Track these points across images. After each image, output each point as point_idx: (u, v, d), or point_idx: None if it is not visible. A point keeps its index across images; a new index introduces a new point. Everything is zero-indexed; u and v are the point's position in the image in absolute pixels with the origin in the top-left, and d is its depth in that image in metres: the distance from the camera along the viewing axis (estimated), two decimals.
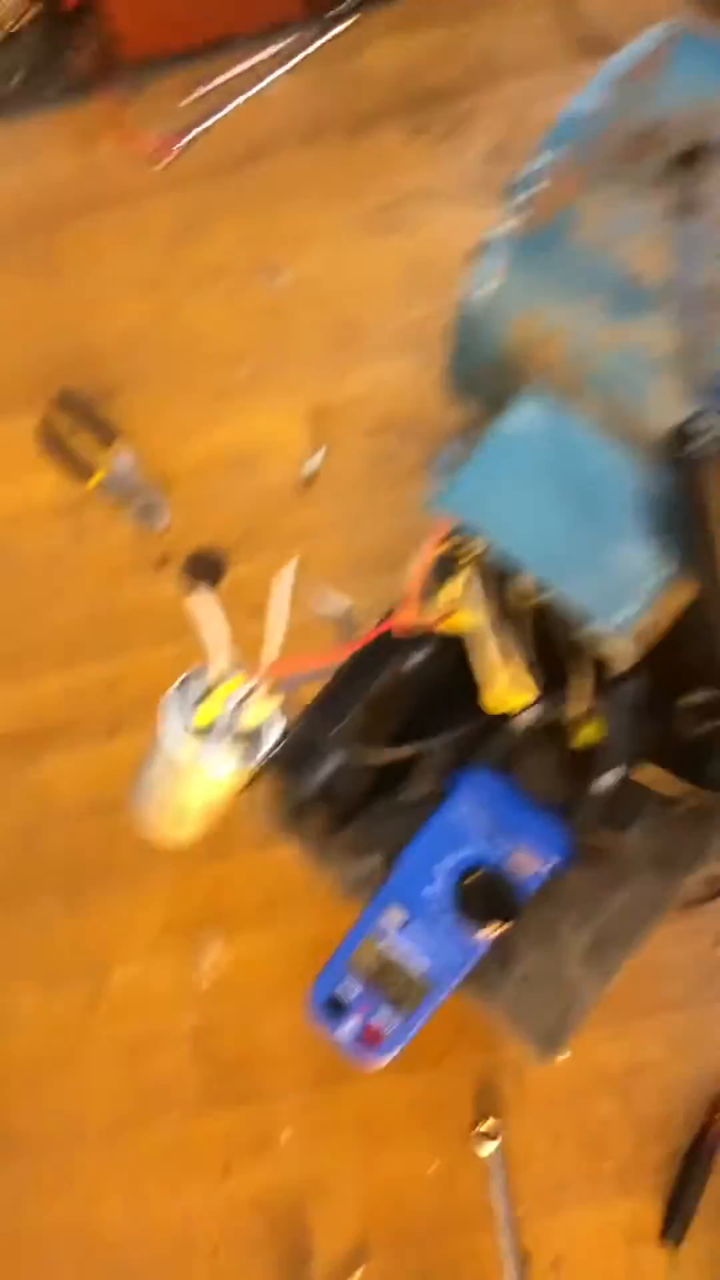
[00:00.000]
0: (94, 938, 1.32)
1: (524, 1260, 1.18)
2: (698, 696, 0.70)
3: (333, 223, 1.50)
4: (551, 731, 0.69)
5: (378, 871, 0.74)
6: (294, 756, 0.72)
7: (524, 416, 0.60)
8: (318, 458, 1.38)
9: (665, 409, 0.57)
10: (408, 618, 0.65)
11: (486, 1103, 1.21)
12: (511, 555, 0.60)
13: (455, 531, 0.62)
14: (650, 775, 0.69)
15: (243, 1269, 1.22)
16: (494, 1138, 1.19)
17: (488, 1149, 1.19)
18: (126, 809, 1.33)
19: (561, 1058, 1.20)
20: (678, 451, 0.53)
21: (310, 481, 1.38)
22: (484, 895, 0.67)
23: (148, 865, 1.33)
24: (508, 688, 0.64)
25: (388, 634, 0.71)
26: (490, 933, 0.66)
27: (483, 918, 0.67)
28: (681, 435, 0.53)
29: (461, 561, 0.63)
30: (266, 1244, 1.22)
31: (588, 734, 0.69)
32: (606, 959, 0.72)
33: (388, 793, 0.74)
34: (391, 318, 1.45)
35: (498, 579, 0.63)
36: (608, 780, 0.67)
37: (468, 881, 0.67)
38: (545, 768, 0.73)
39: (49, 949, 1.32)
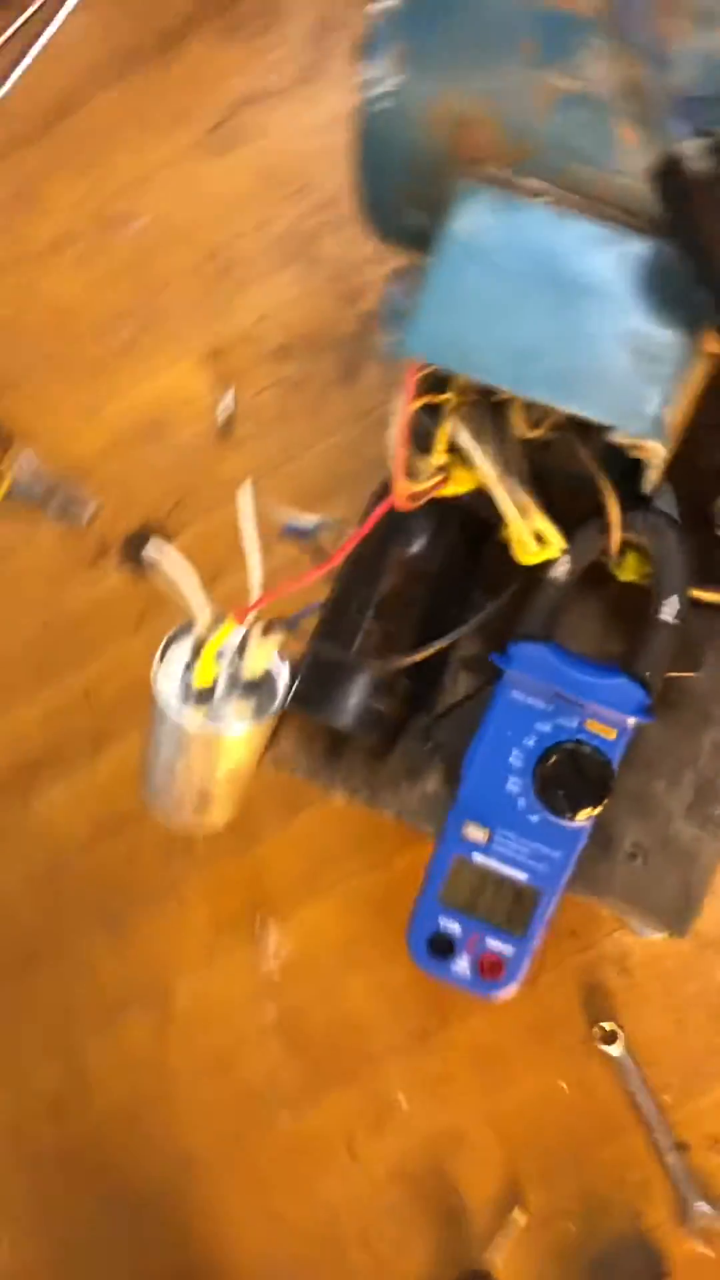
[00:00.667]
0: (146, 962, 1.24)
1: (682, 1149, 1.12)
2: None
3: (170, 155, 1.39)
4: (589, 579, 0.61)
5: (440, 790, 0.66)
6: (314, 691, 0.63)
7: (470, 223, 0.52)
8: (228, 401, 1.28)
9: (630, 157, 0.48)
10: (402, 491, 0.57)
11: (598, 1004, 1.14)
12: (502, 382, 0.51)
13: (429, 379, 0.54)
14: (709, 594, 0.61)
15: (400, 1245, 1.15)
16: (617, 1037, 1.13)
17: (614, 1049, 1.13)
18: (138, 820, 1.25)
19: (659, 935, 1.13)
20: (669, 188, 0.44)
21: (228, 427, 1.28)
22: (568, 778, 0.59)
23: (179, 871, 1.24)
24: (532, 542, 0.56)
25: (380, 527, 0.62)
26: (586, 817, 0.58)
27: (573, 803, 0.59)
28: (669, 166, 0.44)
29: (446, 410, 0.55)
30: (416, 1213, 1.15)
31: (630, 568, 0.61)
32: (714, 808, 0.64)
33: (427, 705, 0.66)
34: (260, 235, 1.34)
35: (491, 420, 0.55)
36: (668, 611, 0.59)
37: (546, 769, 0.59)
38: (592, 621, 0.65)
39: (102, 988, 1.24)
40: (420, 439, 0.58)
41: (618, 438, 0.49)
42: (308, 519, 0.67)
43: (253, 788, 1.23)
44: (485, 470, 0.54)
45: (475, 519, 0.63)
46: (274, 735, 0.69)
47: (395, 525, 0.63)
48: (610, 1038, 1.13)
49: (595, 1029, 1.13)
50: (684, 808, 0.64)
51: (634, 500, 0.58)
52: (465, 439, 0.54)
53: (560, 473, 0.59)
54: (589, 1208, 1.12)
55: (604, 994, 1.14)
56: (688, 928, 0.64)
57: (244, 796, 0.71)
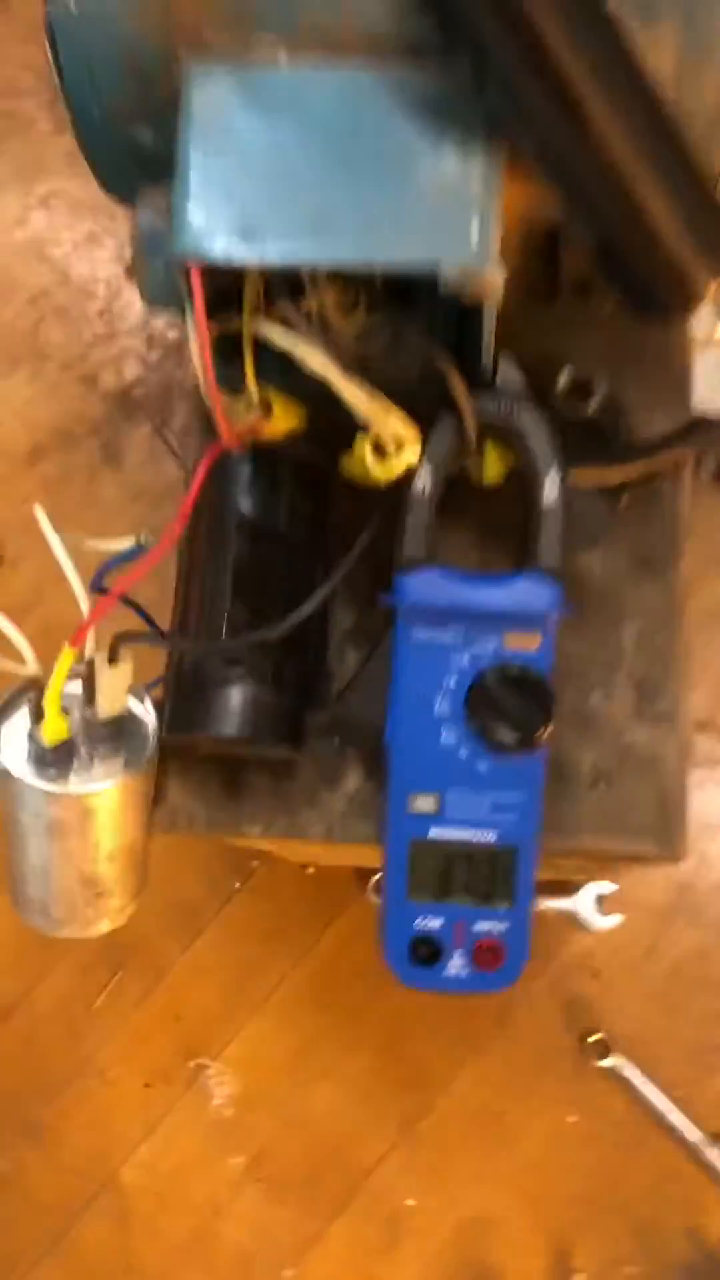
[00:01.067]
0: (82, 1158, 1.07)
1: (716, 1140, 1.02)
2: (564, 378, 0.57)
3: None
4: (450, 508, 0.54)
5: (365, 784, 0.57)
6: (189, 706, 0.53)
7: (211, 104, 0.45)
8: None
9: None
10: (227, 427, 0.48)
11: (579, 1018, 1.05)
12: (300, 256, 0.44)
13: (218, 293, 0.46)
14: (582, 475, 0.55)
15: None
16: (609, 1047, 1.03)
17: (611, 1061, 1.03)
18: (22, 999, 1.09)
19: (612, 923, 1.05)
20: None
21: None
22: (505, 705, 0.51)
23: (87, 1042, 1.09)
24: (391, 444, 0.48)
25: (211, 500, 0.54)
26: (539, 742, 0.50)
27: (520, 731, 0.50)
28: None
29: (247, 331, 0.47)
30: None
31: (494, 464, 0.54)
32: (662, 703, 0.57)
33: (321, 698, 0.57)
34: None
35: (305, 328, 0.48)
36: (550, 490, 0.52)
37: (478, 704, 0.51)
38: (468, 551, 0.58)
39: (44, 1206, 1.06)
40: (229, 381, 0.50)
41: (445, 278, 0.43)
42: (121, 543, 0.57)
43: (141, 917, 1.09)
44: (324, 368, 0.46)
45: (308, 468, 0.56)
46: (159, 792, 0.58)
47: (226, 491, 0.54)
48: (603, 1049, 1.03)
49: (584, 1046, 1.04)
50: (630, 713, 0.57)
51: (479, 386, 0.52)
52: (289, 340, 0.47)
53: (386, 389, 0.52)
54: (644, 1242, 1.01)
55: (582, 1006, 1.05)
56: (679, 844, 0.56)
57: (143, 876, 0.60)
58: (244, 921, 1.09)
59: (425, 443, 0.52)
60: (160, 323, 1.23)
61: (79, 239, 1.25)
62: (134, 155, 0.50)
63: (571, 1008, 1.05)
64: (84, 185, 1.30)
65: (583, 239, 0.47)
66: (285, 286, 0.48)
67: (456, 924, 0.52)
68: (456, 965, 0.52)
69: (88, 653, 0.53)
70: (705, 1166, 1.01)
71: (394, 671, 0.53)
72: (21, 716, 0.55)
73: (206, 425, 0.53)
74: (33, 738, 0.54)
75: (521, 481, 0.54)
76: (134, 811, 0.56)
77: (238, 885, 1.10)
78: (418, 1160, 1.04)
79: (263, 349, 0.51)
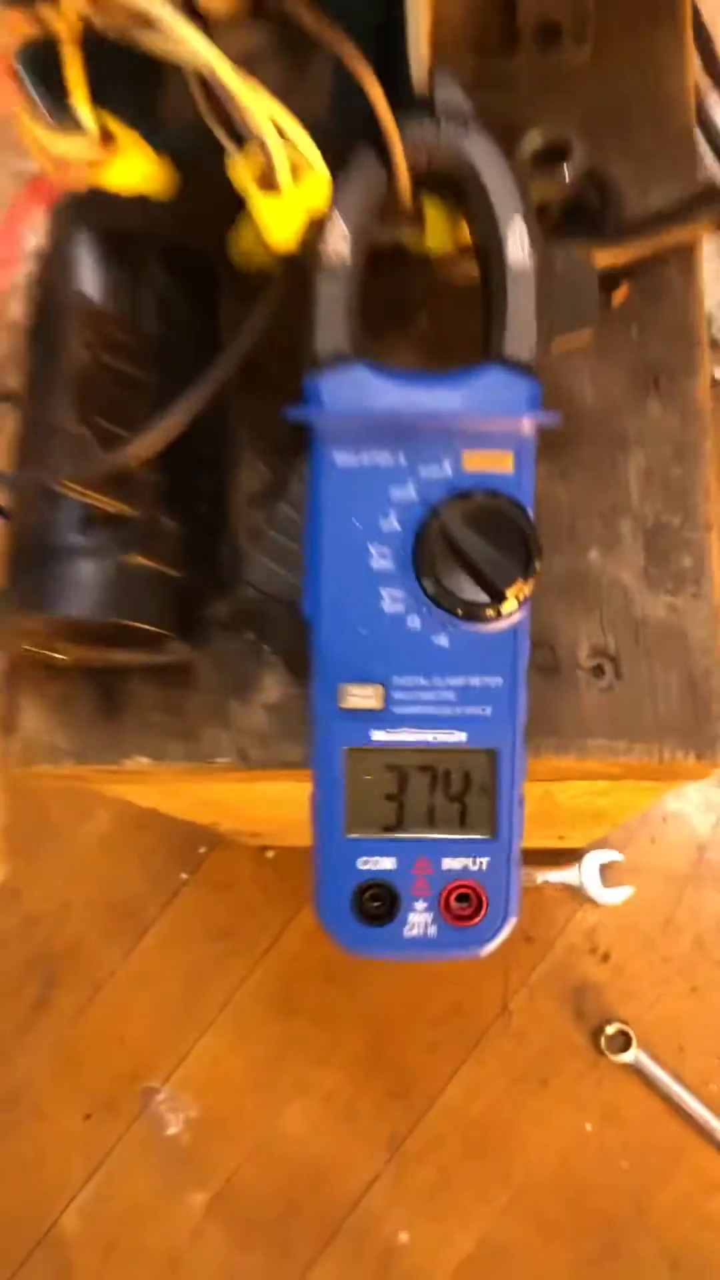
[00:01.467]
0: (14, 1202, 0.91)
1: None
2: (529, 141, 0.43)
3: None
4: (386, 291, 0.39)
5: (288, 690, 0.41)
6: (30, 576, 0.37)
7: None
8: None
9: None
10: (44, 154, 0.33)
11: (591, 1008, 0.90)
12: None
13: None
14: (583, 252, 0.40)
15: None
16: (629, 1038, 0.88)
17: (630, 1055, 0.88)
18: None
19: (621, 896, 0.90)
20: None
21: None
22: (471, 551, 0.36)
23: (19, 1068, 0.93)
24: (297, 151, 0.33)
25: (48, 289, 0.39)
26: (518, 599, 0.35)
27: (492, 585, 0.35)
28: None
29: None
30: None
31: (436, 227, 0.40)
32: (682, 559, 0.42)
33: (225, 582, 0.42)
34: None
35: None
36: (515, 243, 0.37)
37: (432, 553, 0.36)
38: (413, 353, 0.43)
39: None
40: (50, 101, 0.35)
41: None
42: None
43: (73, 919, 0.94)
44: (174, 28, 0.31)
45: (185, 259, 0.41)
46: (8, 716, 0.43)
47: (64, 272, 0.39)
48: (621, 1043, 0.88)
49: (600, 1040, 0.88)
50: (638, 574, 0.42)
51: (411, 110, 0.37)
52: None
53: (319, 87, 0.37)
54: (681, 1267, 0.86)
55: (593, 994, 0.90)
56: (717, 743, 0.41)
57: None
58: (193, 919, 0.94)
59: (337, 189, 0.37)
60: None
61: None
62: None
63: (582, 997, 0.90)
64: None
65: None
66: None
67: (417, 863, 0.37)
68: (419, 920, 0.37)
69: None
70: None
71: (311, 513, 0.37)
72: None
73: None
74: None
75: (479, 254, 0.40)
76: None
77: (184, 877, 0.94)
78: (410, 1186, 0.88)
79: (101, 66, 0.36)
